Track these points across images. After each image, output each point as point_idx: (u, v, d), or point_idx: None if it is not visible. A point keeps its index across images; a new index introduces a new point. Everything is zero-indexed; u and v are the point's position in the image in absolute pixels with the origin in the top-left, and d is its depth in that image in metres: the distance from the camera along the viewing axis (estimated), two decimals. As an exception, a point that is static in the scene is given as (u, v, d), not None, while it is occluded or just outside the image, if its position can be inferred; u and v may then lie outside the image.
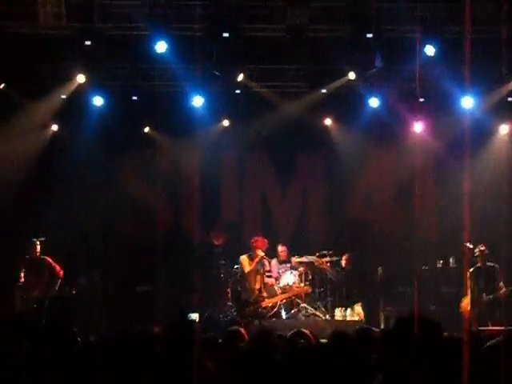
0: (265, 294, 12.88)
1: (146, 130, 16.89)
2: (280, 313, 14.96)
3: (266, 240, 13.15)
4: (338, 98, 16.15)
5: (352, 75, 15.03)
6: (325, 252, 15.95)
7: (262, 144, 17.00)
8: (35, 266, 14.34)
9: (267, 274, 13.63)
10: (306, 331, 6.69)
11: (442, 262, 16.34)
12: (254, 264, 12.94)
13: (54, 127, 16.52)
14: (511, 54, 14.82)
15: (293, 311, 15.20)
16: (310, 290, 13.82)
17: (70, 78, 15.32)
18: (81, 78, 14.96)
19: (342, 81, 15.45)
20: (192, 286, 16.03)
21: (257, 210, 17.12)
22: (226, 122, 16.98)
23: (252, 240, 13.19)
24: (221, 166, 16.97)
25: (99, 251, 16.48)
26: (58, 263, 14.77)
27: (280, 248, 16.02)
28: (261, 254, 12.96)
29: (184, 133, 16.33)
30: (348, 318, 15.44)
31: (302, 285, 15.47)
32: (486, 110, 15.70)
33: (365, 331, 6.50)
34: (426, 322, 4.61)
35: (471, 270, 13.76)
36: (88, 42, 14.08)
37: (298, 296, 14.78)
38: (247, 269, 13.12)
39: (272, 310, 13.49)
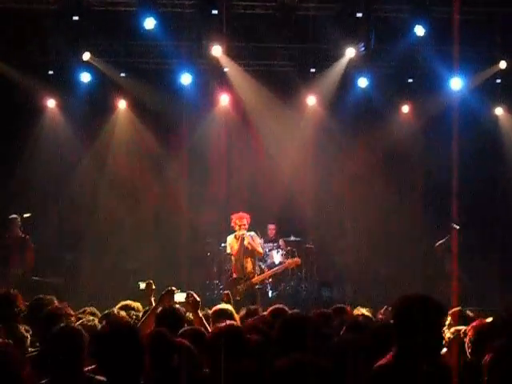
0: (250, 269, 12.83)
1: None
2: (266, 291, 14.99)
3: (244, 214, 12.95)
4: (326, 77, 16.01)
5: (351, 53, 14.88)
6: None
7: (252, 122, 16.88)
8: (16, 244, 14.02)
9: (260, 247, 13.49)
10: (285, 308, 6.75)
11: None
12: (238, 243, 12.89)
13: (51, 102, 16.28)
14: (501, 35, 14.84)
15: (279, 290, 15.28)
16: (299, 262, 13.84)
17: (58, 53, 15.20)
18: (86, 56, 14.81)
19: (342, 61, 15.31)
20: (179, 264, 16.10)
21: (244, 189, 17.07)
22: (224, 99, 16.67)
23: (231, 219, 13.10)
24: (210, 144, 16.87)
25: (86, 227, 16.41)
26: (42, 239, 14.74)
27: (270, 226, 16.15)
28: (241, 233, 12.84)
29: (172, 108, 16.25)
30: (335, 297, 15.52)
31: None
32: (474, 92, 15.68)
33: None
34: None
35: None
36: (76, 18, 13.97)
37: (287, 270, 14.75)
38: (228, 250, 13.09)
39: (262, 284, 13.50)
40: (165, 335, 5.14)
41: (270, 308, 6.75)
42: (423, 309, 4.36)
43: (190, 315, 6.79)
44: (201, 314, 6.68)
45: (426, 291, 15.38)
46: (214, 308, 6.87)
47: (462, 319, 6.88)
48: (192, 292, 6.87)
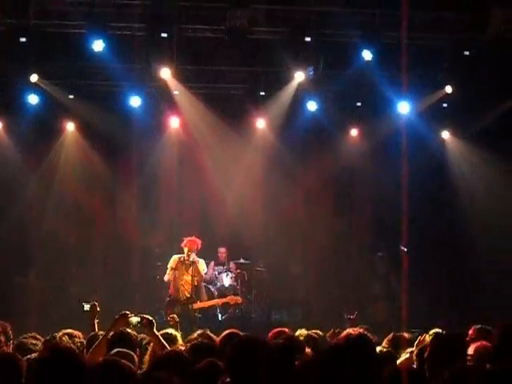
0: (189, 294, 12.78)
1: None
2: (216, 315, 14.92)
3: (197, 240, 13.01)
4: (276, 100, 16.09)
5: (300, 77, 14.99)
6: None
7: (201, 145, 16.84)
8: None
9: (203, 275, 13.50)
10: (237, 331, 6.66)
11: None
12: (184, 266, 12.87)
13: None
14: (447, 60, 15.10)
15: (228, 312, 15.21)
16: (240, 301, 13.85)
17: (5, 75, 15.00)
18: (33, 78, 14.62)
19: (291, 84, 15.39)
20: (131, 288, 15.96)
21: (195, 212, 17.00)
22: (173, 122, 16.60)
23: (184, 240, 13.09)
24: (160, 168, 16.78)
25: (35, 251, 16.16)
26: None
27: (220, 250, 16.11)
28: (192, 257, 12.86)
29: (122, 131, 16.15)
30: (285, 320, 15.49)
31: (238, 288, 15.51)
32: (421, 115, 15.90)
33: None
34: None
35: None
36: (23, 39, 13.81)
37: (228, 304, 14.60)
38: (168, 269, 13.08)
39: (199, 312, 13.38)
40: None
41: (224, 333, 6.65)
42: None
43: (143, 338, 6.71)
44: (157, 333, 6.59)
45: (374, 311, 15.59)
46: (160, 332, 6.80)
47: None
48: (144, 315, 6.79)
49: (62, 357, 4.45)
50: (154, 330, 6.51)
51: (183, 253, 12.89)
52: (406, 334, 7.55)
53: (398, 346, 6.97)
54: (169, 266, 13.07)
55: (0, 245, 15.91)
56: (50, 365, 4.38)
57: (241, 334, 6.45)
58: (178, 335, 6.96)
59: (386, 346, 6.99)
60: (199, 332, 7.36)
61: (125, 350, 5.70)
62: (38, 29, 14.06)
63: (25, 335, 7.00)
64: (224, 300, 13.74)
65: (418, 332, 8.65)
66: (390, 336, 7.30)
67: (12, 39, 13.89)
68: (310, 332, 7.41)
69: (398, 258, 14.71)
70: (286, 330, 6.99)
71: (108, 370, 4.73)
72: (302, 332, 7.44)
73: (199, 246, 12.95)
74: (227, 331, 6.57)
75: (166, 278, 13.26)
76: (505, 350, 5.45)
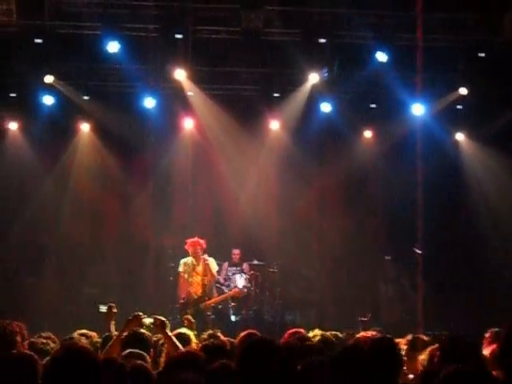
0: (200, 294, 12.91)
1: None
2: (229, 316, 14.95)
3: (199, 241, 13.15)
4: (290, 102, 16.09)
5: (314, 78, 15.00)
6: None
7: (215, 146, 16.87)
8: None
9: (215, 274, 13.58)
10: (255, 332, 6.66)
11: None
12: (193, 267, 13.02)
13: (13, 125, 16.12)
14: (462, 61, 15.07)
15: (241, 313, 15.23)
16: (245, 292, 14.00)
17: (20, 76, 15.10)
18: (49, 79, 14.69)
19: (306, 85, 15.41)
20: (144, 289, 16.01)
21: (208, 213, 17.03)
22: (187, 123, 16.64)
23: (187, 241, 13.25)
24: (174, 169, 16.82)
25: (49, 251, 16.24)
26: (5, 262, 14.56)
27: (234, 251, 16.12)
28: (203, 256, 12.99)
29: (136, 132, 16.21)
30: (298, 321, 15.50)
31: (252, 289, 15.54)
32: (436, 117, 15.87)
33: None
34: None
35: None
36: (39, 40, 13.90)
37: (235, 298, 14.75)
38: (181, 269, 13.26)
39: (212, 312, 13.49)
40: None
41: (242, 334, 6.63)
42: None
43: (159, 339, 6.73)
44: (170, 333, 6.62)
45: (388, 312, 15.57)
46: (174, 332, 6.83)
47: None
48: (156, 316, 6.82)
49: (78, 356, 4.44)
50: (167, 330, 6.55)
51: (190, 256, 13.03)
52: (424, 337, 7.54)
53: (415, 347, 6.96)
54: (179, 271, 13.23)
55: (14, 245, 16.00)
56: (65, 363, 4.39)
57: (258, 334, 6.45)
58: (192, 335, 6.99)
59: (405, 347, 7.00)
60: (209, 332, 7.40)
61: (137, 350, 5.73)
62: (54, 30, 14.17)
63: (38, 335, 7.03)
64: (231, 293, 13.90)
65: (433, 334, 8.67)
66: (410, 337, 7.29)
67: (27, 40, 14.01)
68: (325, 333, 7.42)
69: (410, 260, 14.69)
70: (302, 330, 7.00)
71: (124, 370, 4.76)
72: (316, 332, 7.44)
73: (203, 245, 13.07)
74: (246, 332, 6.56)
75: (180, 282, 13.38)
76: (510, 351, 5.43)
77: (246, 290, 14.07)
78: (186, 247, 13.07)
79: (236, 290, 13.96)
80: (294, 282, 16.91)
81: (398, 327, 12.39)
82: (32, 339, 6.73)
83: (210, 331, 7.53)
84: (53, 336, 7.08)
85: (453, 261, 16.52)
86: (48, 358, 5.08)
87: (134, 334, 6.36)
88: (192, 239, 13.17)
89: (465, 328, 13.30)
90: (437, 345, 6.06)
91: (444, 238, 16.63)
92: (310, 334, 7.40)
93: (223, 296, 14.06)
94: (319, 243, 17.04)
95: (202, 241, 13.15)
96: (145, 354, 5.71)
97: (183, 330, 7.09)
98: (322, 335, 7.21)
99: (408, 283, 16.03)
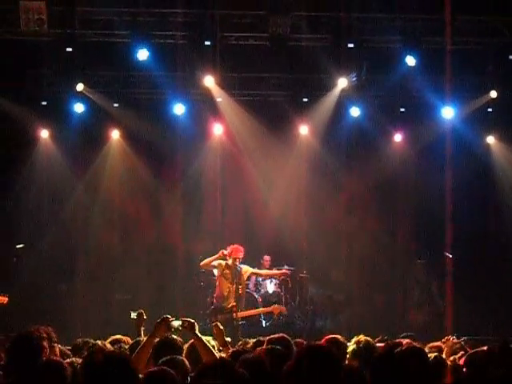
0: (234, 302, 12.76)
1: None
2: (260, 322, 14.93)
3: (241, 248, 12.99)
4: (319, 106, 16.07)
5: (343, 83, 15.01)
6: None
7: (245, 152, 16.89)
8: None
9: (245, 283, 13.50)
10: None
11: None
12: (231, 274, 12.86)
13: (44, 133, 16.32)
14: (492, 64, 14.98)
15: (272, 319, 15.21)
16: (284, 311, 13.82)
17: (52, 84, 15.29)
18: (80, 87, 14.86)
19: (334, 90, 15.41)
20: (174, 295, 16.05)
21: (238, 219, 17.06)
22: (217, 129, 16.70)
23: (228, 248, 13.07)
24: (203, 175, 16.88)
25: (81, 258, 16.38)
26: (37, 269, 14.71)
27: (265, 257, 16.10)
28: (239, 265, 12.87)
29: (166, 138, 16.31)
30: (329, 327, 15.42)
31: (282, 294, 15.51)
32: (466, 120, 15.76)
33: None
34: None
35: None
36: (69, 49, 14.06)
37: (271, 313, 14.50)
38: (216, 272, 13.10)
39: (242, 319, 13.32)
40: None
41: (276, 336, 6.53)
42: None
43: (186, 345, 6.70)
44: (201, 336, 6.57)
45: (415, 318, 15.47)
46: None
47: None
48: (185, 318, 6.78)
49: (115, 361, 4.44)
50: (197, 332, 6.49)
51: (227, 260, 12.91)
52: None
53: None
54: (215, 262, 12.96)
55: (46, 252, 16.14)
56: (102, 369, 4.39)
57: (290, 339, 6.36)
58: (214, 343, 6.92)
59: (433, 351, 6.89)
60: (242, 341, 7.37)
61: (177, 356, 5.69)
62: (84, 39, 14.34)
63: (76, 341, 7.07)
64: (268, 309, 13.74)
65: (464, 340, 8.58)
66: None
67: (58, 49, 14.19)
68: (369, 339, 7.22)
69: (440, 264, 14.60)
70: (339, 337, 6.88)
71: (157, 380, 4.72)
72: (360, 338, 7.23)
73: (243, 254, 12.95)
74: (279, 334, 6.48)
75: (204, 262, 13.07)
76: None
77: (285, 309, 13.86)
78: (227, 253, 12.89)
79: (275, 307, 13.74)
80: (324, 287, 16.87)
81: (427, 332, 12.29)
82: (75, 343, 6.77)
83: (242, 340, 7.47)
84: (91, 340, 7.11)
85: (484, 266, 16.37)
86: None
87: (165, 341, 6.31)
88: (235, 245, 13.00)
89: (497, 333, 13.21)
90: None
91: (475, 243, 16.49)
92: (352, 341, 7.22)
93: (259, 310, 13.85)
94: (349, 248, 16.97)
95: (242, 248, 12.96)
96: (184, 359, 5.67)
97: (206, 338, 7.01)
98: (365, 340, 7.01)
99: (436, 289, 15.94)
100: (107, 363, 4.42)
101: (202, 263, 13.11)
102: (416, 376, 4.68)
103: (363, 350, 6.40)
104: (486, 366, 5.52)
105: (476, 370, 5.58)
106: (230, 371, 4.84)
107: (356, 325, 14.53)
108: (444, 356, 6.61)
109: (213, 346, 6.63)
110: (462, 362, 6.05)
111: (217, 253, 12.98)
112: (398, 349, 4.97)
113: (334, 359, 3.90)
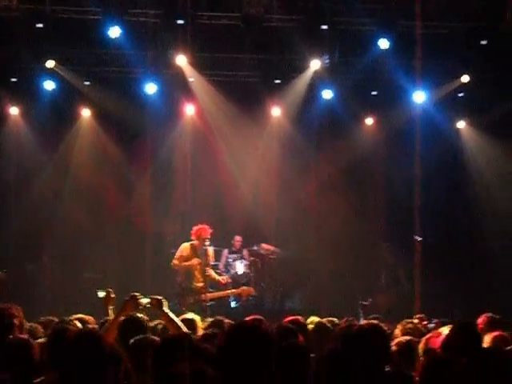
0: (202, 283, 12.71)
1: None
2: (229, 302, 14.96)
3: (207, 227, 12.91)
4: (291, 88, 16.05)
5: (316, 65, 14.99)
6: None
7: (216, 133, 16.84)
8: None
9: (211, 263, 13.44)
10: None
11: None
12: (196, 255, 12.81)
13: (14, 110, 16.14)
14: (464, 49, 15.02)
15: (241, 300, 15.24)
16: (252, 292, 13.85)
17: (21, 61, 15.09)
18: (50, 63, 14.68)
19: (307, 72, 15.39)
20: (143, 275, 16.02)
21: (209, 200, 17.03)
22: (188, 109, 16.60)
23: (194, 228, 13.01)
24: (174, 155, 16.82)
25: (49, 237, 16.26)
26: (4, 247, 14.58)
27: (236, 238, 16.11)
28: (207, 244, 12.78)
29: (137, 117, 16.20)
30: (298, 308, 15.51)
31: (252, 275, 15.55)
32: (437, 105, 15.85)
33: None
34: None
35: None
36: (40, 25, 13.88)
37: (240, 295, 14.49)
38: (177, 255, 12.97)
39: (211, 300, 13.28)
40: None
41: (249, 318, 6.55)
42: None
43: (159, 323, 6.72)
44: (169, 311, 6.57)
45: (381, 300, 15.59)
46: (180, 318, 6.79)
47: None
48: (153, 296, 6.77)
49: (87, 338, 4.40)
50: (165, 308, 6.48)
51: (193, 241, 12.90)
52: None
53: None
54: (178, 252, 13.00)
55: (14, 231, 16.01)
56: (74, 346, 4.35)
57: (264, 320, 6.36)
58: (197, 319, 6.96)
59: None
60: (215, 318, 7.38)
61: (148, 335, 5.71)
62: (55, 15, 14.14)
63: (39, 319, 7.05)
64: (236, 291, 13.73)
65: (434, 323, 8.66)
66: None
67: (29, 25, 13.99)
68: (321, 320, 7.41)
69: (408, 247, 14.70)
70: (300, 318, 6.97)
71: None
72: (313, 319, 7.43)
73: (210, 233, 12.89)
74: (252, 317, 6.48)
75: (173, 263, 13.09)
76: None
77: (253, 290, 13.88)
78: (193, 233, 12.88)
79: (244, 288, 13.75)
80: (293, 269, 16.92)
81: (393, 314, 12.36)
82: (31, 324, 6.74)
83: (217, 317, 7.48)
84: (54, 318, 7.09)
85: (452, 248, 16.52)
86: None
87: (131, 320, 6.32)
88: (201, 225, 12.96)
89: (464, 316, 13.32)
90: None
91: (444, 225, 16.65)
92: (308, 321, 7.39)
93: (227, 292, 13.81)
94: (319, 230, 17.03)
95: (209, 228, 12.91)
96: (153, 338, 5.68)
97: (190, 316, 7.03)
98: (317, 322, 7.21)
99: (403, 272, 16.08)
100: (79, 340, 4.40)
101: (174, 264, 13.01)
102: (373, 350, 4.75)
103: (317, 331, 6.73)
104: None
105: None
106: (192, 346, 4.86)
107: (324, 306, 14.58)
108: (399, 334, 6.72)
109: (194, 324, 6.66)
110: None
111: (186, 232, 13.03)
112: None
113: (261, 334, 4.01)
